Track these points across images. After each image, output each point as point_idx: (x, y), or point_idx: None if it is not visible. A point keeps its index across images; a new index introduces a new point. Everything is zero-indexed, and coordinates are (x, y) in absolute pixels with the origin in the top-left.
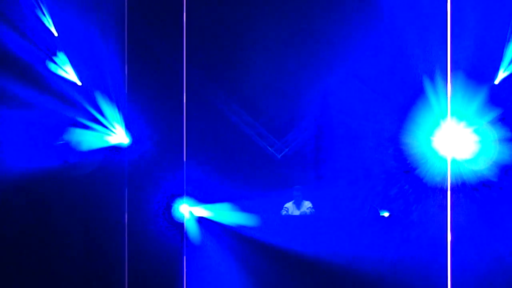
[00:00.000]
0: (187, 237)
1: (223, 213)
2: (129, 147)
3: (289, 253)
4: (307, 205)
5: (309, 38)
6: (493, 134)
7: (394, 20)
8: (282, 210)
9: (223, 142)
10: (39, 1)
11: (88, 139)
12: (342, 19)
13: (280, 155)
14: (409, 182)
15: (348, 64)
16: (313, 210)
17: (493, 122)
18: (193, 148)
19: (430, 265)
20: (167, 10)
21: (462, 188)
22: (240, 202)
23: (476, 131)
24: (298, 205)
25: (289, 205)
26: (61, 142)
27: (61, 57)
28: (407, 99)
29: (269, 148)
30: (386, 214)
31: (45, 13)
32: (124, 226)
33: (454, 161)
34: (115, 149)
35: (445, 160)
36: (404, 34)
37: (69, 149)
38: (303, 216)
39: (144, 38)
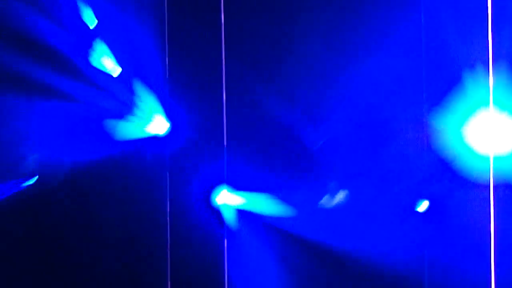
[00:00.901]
0: (227, 226)
1: (262, 203)
2: (169, 135)
3: (324, 246)
4: (341, 196)
5: (350, 28)
6: None
7: (433, 10)
8: (319, 202)
9: (262, 131)
10: None
11: (128, 129)
12: (382, 12)
13: (317, 145)
14: (449, 179)
15: (387, 54)
16: (347, 200)
17: None
18: (233, 136)
19: (472, 266)
20: None
21: (506, 186)
22: (278, 192)
23: None
24: (333, 197)
25: (325, 197)
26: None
27: (99, 47)
28: (447, 91)
29: (307, 138)
30: (423, 206)
31: (81, 3)
32: (166, 216)
33: (496, 156)
34: (155, 138)
35: (487, 156)
36: (444, 24)
37: (109, 140)
38: (339, 209)
39: (184, 26)
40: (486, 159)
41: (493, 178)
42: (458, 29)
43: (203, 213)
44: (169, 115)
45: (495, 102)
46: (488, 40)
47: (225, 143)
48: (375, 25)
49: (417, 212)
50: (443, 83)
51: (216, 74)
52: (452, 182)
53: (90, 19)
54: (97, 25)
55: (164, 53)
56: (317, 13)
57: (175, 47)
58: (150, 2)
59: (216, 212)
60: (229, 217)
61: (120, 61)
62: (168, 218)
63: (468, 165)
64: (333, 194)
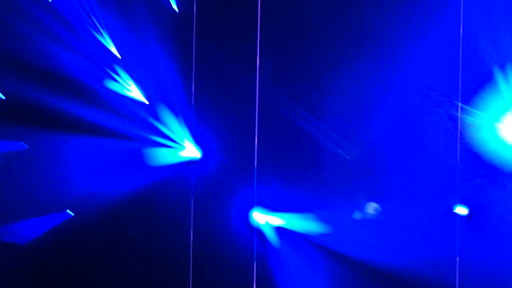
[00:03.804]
0: (258, 247)
1: (296, 222)
2: (200, 160)
3: (362, 260)
4: (373, 206)
5: (377, 39)
6: None
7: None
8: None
9: (293, 149)
10: (98, 24)
11: (159, 156)
12: (411, 19)
13: (351, 157)
14: (485, 178)
15: (416, 60)
16: (380, 210)
17: None
18: (263, 157)
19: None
20: (238, 22)
21: None
22: (312, 208)
23: None
24: (364, 208)
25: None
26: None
27: (124, 76)
28: (479, 91)
29: (340, 151)
30: (462, 211)
31: (104, 34)
32: (189, 241)
33: None
34: (186, 164)
35: None
36: (473, 25)
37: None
38: (374, 221)
39: (213, 50)
40: None
41: None
42: (494, 29)
43: (230, 238)
44: (199, 141)
45: None
46: None
47: (255, 163)
48: (406, 41)
49: (455, 214)
50: (478, 81)
51: (247, 97)
52: (488, 180)
53: (113, 50)
54: (121, 55)
55: (190, 79)
56: (349, 27)
57: (202, 73)
58: (179, 31)
59: (243, 237)
60: (267, 236)
61: (144, 89)
62: (191, 245)
63: (504, 161)
64: (366, 206)
